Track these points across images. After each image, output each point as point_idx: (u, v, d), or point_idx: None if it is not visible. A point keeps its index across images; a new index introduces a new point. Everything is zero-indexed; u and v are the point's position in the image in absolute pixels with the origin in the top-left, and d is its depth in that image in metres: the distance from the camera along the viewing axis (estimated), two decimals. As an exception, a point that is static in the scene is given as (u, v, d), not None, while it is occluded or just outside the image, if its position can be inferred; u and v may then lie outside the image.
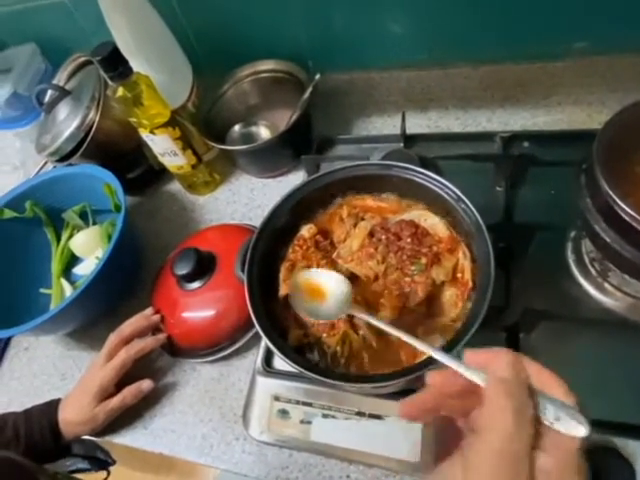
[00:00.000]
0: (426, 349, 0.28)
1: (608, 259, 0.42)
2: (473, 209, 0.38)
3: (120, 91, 0.54)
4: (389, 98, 0.71)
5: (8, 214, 0.62)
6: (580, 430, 0.22)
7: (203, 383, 0.52)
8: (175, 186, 0.73)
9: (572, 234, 0.49)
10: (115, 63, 0.52)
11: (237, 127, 0.71)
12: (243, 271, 0.42)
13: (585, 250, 0.47)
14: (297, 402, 0.46)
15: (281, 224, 0.47)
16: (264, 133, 0.71)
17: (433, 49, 0.66)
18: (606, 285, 0.45)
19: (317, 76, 0.63)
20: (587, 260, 0.47)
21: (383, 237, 0.41)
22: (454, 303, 0.38)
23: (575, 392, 0.23)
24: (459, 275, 0.39)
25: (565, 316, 0.44)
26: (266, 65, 0.69)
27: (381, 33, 0.67)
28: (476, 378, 0.23)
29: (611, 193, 0.35)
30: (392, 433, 0.42)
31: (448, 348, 0.33)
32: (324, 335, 0.39)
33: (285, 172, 0.68)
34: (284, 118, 0.65)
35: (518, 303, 0.45)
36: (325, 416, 0.45)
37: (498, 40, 0.62)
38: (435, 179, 0.41)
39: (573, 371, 0.41)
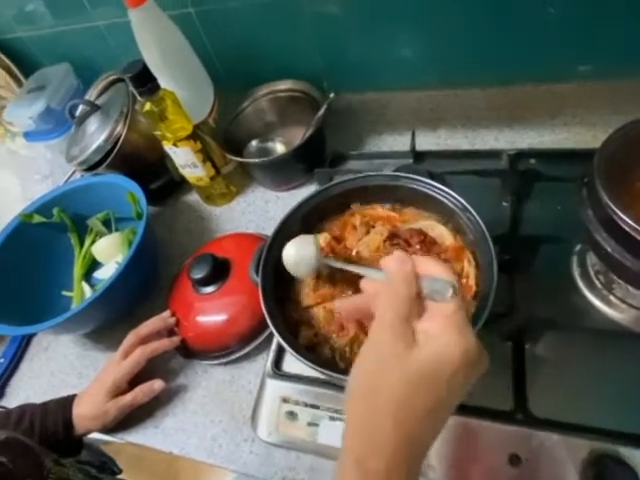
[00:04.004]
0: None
1: (611, 269, 0.43)
2: (478, 218, 0.40)
3: (147, 106, 0.58)
4: (400, 117, 0.74)
5: (37, 219, 0.66)
6: (449, 293, 0.27)
7: (214, 385, 0.54)
8: (193, 197, 0.76)
9: (577, 248, 0.50)
10: (144, 80, 0.56)
11: (254, 142, 0.74)
12: (257, 274, 0.44)
13: (590, 263, 0.48)
14: (305, 405, 0.47)
15: (294, 231, 0.49)
16: (279, 148, 0.74)
17: (442, 72, 0.70)
18: (611, 297, 0.46)
19: (331, 95, 0.66)
20: (592, 273, 0.48)
21: (396, 242, 0.43)
22: (459, 307, 0.39)
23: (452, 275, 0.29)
24: (464, 281, 0.40)
25: (570, 327, 0.45)
26: (283, 85, 0.72)
27: (393, 57, 0.70)
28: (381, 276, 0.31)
29: (611, 204, 0.37)
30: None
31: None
32: (334, 336, 0.41)
33: (298, 185, 0.71)
34: (299, 135, 0.69)
35: (523, 313, 0.46)
36: (332, 419, 0.46)
37: (505, 63, 0.65)
38: (442, 190, 0.43)
39: (579, 382, 0.42)
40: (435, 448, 0.41)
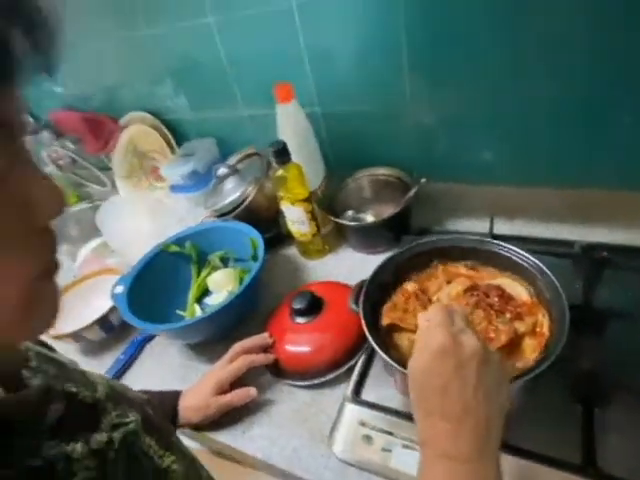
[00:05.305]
0: None
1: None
2: (553, 278, 0.48)
3: (280, 172, 0.75)
4: (478, 206, 0.84)
5: (173, 249, 0.83)
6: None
7: (297, 404, 0.61)
8: (292, 250, 0.90)
9: (649, 329, 0.54)
10: (282, 153, 0.74)
11: (350, 212, 0.89)
12: (357, 305, 0.54)
13: (661, 343, 0.52)
14: (381, 430, 0.52)
15: (384, 279, 0.59)
16: (369, 219, 0.87)
17: (519, 172, 0.80)
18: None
19: (422, 180, 0.80)
20: (664, 353, 0.51)
21: (475, 293, 0.51)
22: (532, 350, 0.45)
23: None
24: (538, 329, 0.47)
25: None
26: (381, 170, 0.88)
27: (474, 156, 0.83)
28: None
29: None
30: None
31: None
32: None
33: (384, 250, 0.82)
34: (388, 211, 0.82)
35: (594, 379, 0.50)
36: (405, 447, 0.50)
37: (581, 168, 0.73)
38: (521, 253, 0.52)
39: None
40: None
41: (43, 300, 0.26)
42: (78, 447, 0.29)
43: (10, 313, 0.23)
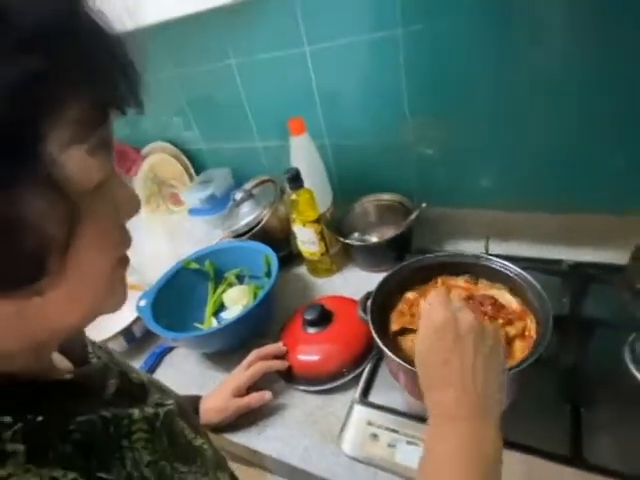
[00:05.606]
0: None
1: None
2: (540, 288, 0.54)
3: (294, 196, 0.83)
4: (474, 229, 0.91)
5: (193, 265, 0.89)
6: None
7: (308, 408, 0.65)
8: (301, 269, 0.96)
9: (630, 338, 0.59)
10: (295, 179, 0.82)
11: (356, 234, 0.96)
12: (366, 314, 0.60)
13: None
14: (387, 428, 0.57)
15: (390, 289, 0.65)
16: (374, 240, 0.94)
17: (515, 198, 0.88)
18: (661, 380, 0.54)
19: (423, 205, 0.87)
20: (643, 358, 0.56)
21: (470, 302, 0.57)
22: (522, 351, 0.51)
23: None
24: (527, 333, 0.52)
25: (622, 399, 0.53)
26: (384, 196, 0.96)
27: (472, 183, 0.91)
28: None
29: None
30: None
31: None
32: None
33: (387, 269, 0.86)
34: (392, 233, 0.89)
35: (580, 382, 0.55)
36: (409, 443, 0.55)
37: (570, 196, 0.80)
38: (512, 268, 0.58)
39: (631, 442, 0.49)
40: None
41: (118, 284, 0.32)
42: (136, 411, 0.35)
43: (103, 286, 0.29)
